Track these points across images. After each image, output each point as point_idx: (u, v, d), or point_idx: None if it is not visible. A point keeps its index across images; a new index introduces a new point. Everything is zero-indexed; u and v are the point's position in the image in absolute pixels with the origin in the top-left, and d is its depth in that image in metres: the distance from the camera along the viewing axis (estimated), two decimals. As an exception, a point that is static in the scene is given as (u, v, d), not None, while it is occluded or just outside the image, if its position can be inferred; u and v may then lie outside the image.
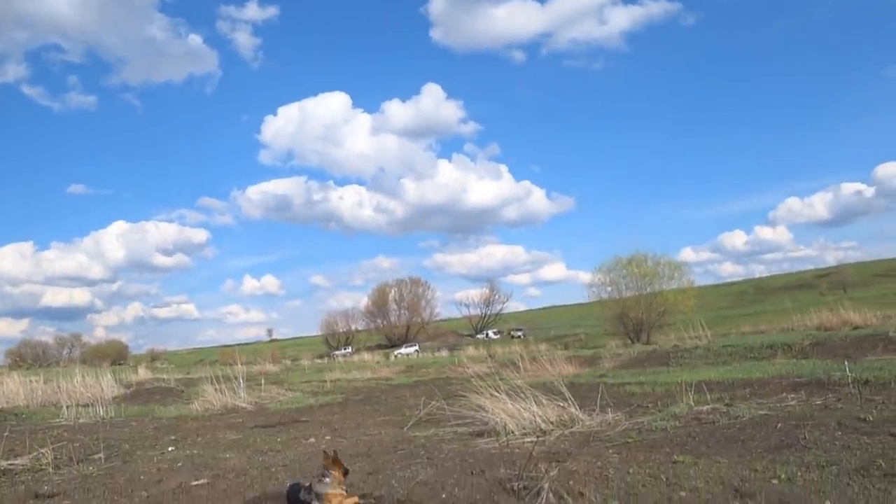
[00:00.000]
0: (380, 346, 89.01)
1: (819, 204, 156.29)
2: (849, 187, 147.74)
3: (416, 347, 78.87)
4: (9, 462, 7.56)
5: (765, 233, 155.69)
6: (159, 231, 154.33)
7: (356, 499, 5.15)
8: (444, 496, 5.12)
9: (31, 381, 19.37)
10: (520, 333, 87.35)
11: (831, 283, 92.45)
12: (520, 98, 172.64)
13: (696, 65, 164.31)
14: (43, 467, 7.45)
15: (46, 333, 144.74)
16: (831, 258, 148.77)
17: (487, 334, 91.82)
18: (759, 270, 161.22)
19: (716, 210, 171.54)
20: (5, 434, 8.98)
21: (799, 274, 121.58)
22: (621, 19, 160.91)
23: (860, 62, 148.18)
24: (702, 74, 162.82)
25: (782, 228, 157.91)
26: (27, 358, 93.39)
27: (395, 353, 68.64)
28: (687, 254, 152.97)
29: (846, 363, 10.93)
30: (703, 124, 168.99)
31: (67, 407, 13.84)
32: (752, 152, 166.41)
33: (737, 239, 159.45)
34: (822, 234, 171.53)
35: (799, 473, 4.78)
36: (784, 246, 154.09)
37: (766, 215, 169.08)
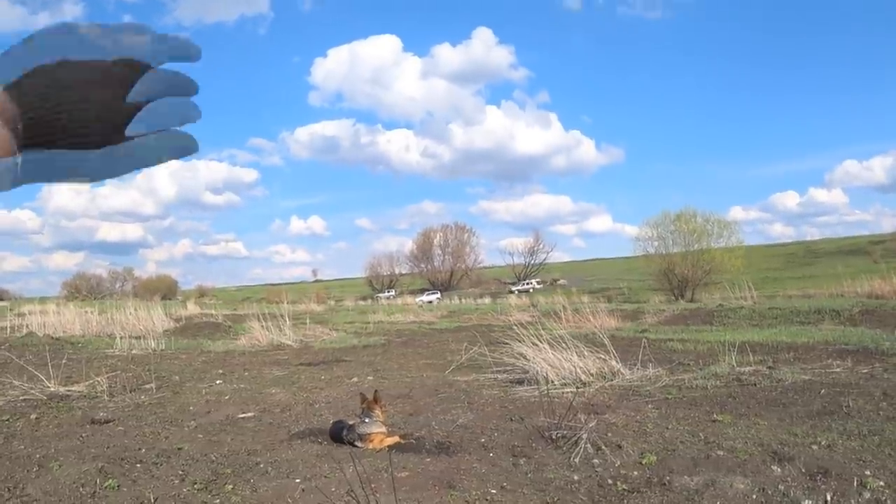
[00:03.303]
0: (423, 291, 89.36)
1: (878, 167, 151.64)
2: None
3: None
4: (66, 388, 7.89)
5: (819, 195, 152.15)
6: (209, 170, 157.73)
7: (397, 438, 5.30)
8: (483, 440, 5.23)
9: (86, 311, 20.05)
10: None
11: (886, 251, 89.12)
12: (573, 46, 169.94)
13: (756, 17, 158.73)
14: (98, 395, 7.76)
15: (100, 267, 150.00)
16: (888, 225, 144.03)
17: (532, 283, 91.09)
18: (811, 233, 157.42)
19: (768, 170, 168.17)
20: (63, 362, 9.31)
21: (852, 239, 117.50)
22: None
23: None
24: (761, 28, 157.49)
25: (838, 191, 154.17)
26: (82, 290, 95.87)
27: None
28: (736, 212, 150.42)
29: (896, 332, 10.70)
30: (760, 81, 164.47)
31: (120, 338, 14.32)
32: (809, 112, 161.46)
33: (789, 199, 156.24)
34: (879, 199, 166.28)
35: (840, 441, 4.74)
36: (838, 209, 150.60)
37: (822, 177, 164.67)
